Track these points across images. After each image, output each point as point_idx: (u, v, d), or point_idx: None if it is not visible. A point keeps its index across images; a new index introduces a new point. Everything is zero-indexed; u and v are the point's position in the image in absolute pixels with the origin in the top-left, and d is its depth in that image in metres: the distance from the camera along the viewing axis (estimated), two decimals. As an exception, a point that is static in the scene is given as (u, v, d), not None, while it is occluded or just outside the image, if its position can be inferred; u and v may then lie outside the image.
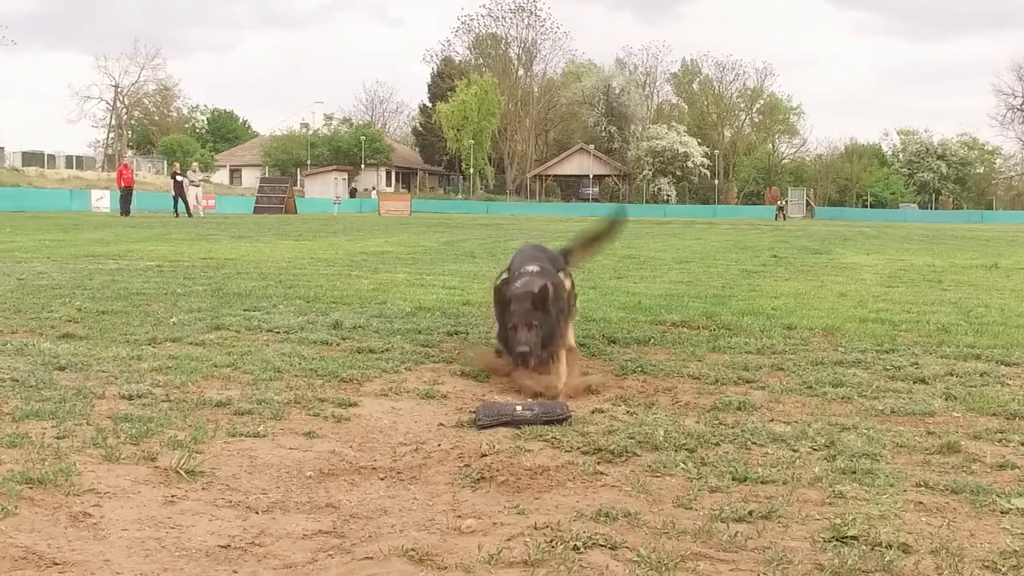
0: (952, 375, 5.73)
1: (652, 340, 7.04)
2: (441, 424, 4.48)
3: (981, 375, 5.72)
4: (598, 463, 3.80)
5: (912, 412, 4.71)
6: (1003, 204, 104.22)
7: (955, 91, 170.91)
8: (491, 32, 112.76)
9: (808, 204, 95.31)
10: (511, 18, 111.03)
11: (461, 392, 5.21)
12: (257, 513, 3.18)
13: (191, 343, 6.67)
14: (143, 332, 7.01)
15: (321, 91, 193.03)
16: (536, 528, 3.00)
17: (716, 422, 4.46)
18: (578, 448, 4.01)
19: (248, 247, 18.28)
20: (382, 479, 3.59)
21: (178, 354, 6.13)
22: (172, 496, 3.32)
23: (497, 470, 3.64)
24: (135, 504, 3.23)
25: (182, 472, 3.55)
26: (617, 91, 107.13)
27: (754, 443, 4.08)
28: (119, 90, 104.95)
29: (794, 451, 3.98)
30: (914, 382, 5.52)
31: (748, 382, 5.51)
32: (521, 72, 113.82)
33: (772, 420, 4.52)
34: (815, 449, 4.01)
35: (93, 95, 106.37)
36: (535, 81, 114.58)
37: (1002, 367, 6.05)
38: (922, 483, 3.54)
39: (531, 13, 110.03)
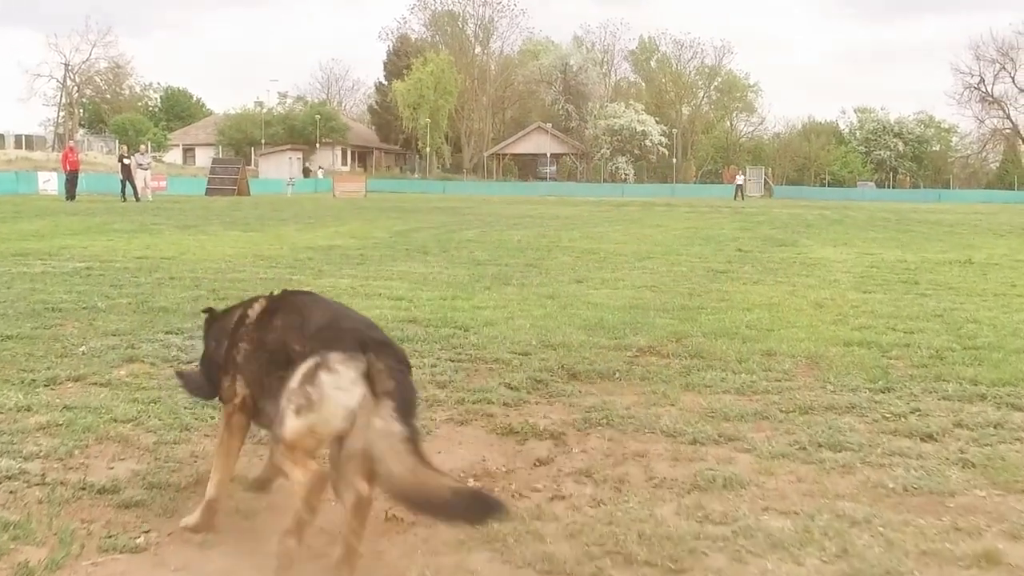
0: (961, 426, 5.01)
1: (618, 374, 6.27)
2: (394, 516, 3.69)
3: (994, 427, 5.01)
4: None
5: (929, 490, 3.99)
6: (959, 182, 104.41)
7: (913, 70, 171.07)
8: (448, 9, 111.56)
9: (766, 183, 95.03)
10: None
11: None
12: None
13: (96, 382, 5.86)
14: (44, 367, 6.19)
15: (276, 69, 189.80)
16: None
17: (701, 515, 3.70)
18: (531, 564, 3.25)
19: (190, 241, 17.35)
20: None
21: (76, 403, 5.30)
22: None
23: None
24: None
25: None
26: (575, 69, 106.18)
27: (750, 551, 3.34)
28: (69, 68, 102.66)
29: (799, 565, 3.24)
30: (921, 439, 4.79)
31: (731, 439, 4.76)
32: (478, 50, 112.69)
33: (766, 509, 3.77)
34: (825, 562, 3.27)
35: (43, 73, 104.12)
36: (492, 59, 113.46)
37: (1014, 412, 5.34)
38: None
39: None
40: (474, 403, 5.50)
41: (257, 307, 3.57)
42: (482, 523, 3.15)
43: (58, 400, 5.37)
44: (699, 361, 6.68)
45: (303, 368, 3.09)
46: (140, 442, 4.62)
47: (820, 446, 4.62)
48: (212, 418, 5.02)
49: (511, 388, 5.86)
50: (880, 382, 6.02)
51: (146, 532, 3.47)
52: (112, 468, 4.21)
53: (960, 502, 3.89)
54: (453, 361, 6.64)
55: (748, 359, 6.72)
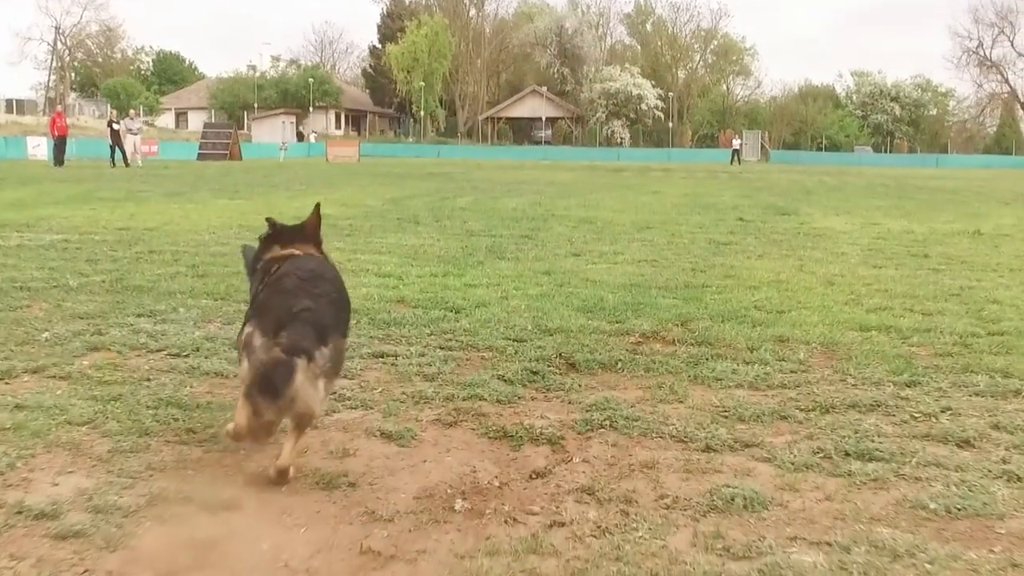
0: (1000, 429, 4.55)
1: (620, 364, 5.80)
2: (369, 548, 3.23)
3: (1036, 430, 4.54)
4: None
5: (975, 512, 3.53)
6: (956, 147, 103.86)
7: (910, 33, 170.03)
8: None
9: (763, 147, 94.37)
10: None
11: (374, 480, 3.94)
12: None
13: (55, 375, 5.38)
14: (1, 357, 5.71)
15: (269, 32, 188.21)
16: None
17: (720, 546, 3.23)
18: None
19: (175, 210, 16.81)
20: None
21: (29, 400, 4.82)
22: None
23: None
24: None
25: None
26: (570, 32, 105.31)
27: (780, 597, 2.88)
28: (60, 31, 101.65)
29: (840, 616, 2.78)
30: (957, 445, 4.33)
31: (748, 445, 4.29)
32: (473, 12, 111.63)
33: (794, 538, 3.31)
34: (868, 611, 2.82)
35: (34, 36, 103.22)
36: (487, 22, 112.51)
37: (1055, 412, 4.88)
38: None
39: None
40: (464, 400, 5.02)
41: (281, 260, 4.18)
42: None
43: (11, 398, 4.90)
44: (707, 349, 6.22)
45: (247, 329, 3.79)
46: (93, 450, 4.14)
47: (847, 455, 4.15)
48: (175, 420, 4.56)
49: (505, 381, 5.39)
50: (904, 374, 5.55)
51: (83, 573, 3.00)
52: (57, 484, 3.74)
53: (1012, 527, 3.43)
54: (442, 349, 6.17)
55: (759, 346, 6.25)
